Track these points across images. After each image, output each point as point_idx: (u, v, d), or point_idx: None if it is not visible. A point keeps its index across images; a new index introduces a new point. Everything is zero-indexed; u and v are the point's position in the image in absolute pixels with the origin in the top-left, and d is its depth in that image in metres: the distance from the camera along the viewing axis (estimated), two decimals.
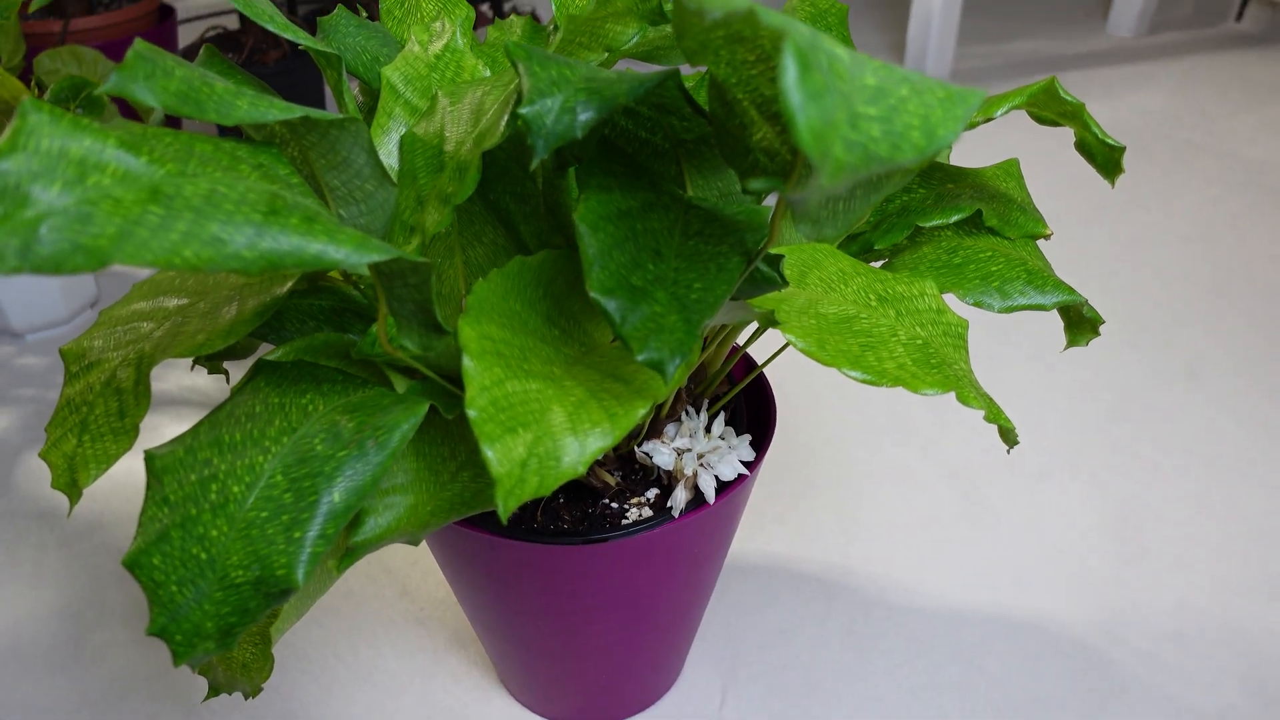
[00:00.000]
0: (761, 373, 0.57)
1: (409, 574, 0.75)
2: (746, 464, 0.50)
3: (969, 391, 0.38)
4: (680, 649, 0.64)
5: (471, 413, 0.31)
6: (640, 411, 0.33)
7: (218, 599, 0.32)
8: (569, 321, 0.39)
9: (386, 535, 0.37)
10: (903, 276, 0.42)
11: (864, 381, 0.37)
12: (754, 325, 0.65)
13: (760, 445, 0.52)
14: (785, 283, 0.35)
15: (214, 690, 0.48)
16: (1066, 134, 1.38)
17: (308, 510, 0.32)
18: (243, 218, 0.26)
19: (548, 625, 0.55)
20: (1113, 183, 0.41)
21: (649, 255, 0.33)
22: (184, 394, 0.94)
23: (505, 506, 0.30)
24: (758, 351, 0.95)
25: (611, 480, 0.51)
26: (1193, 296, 1.04)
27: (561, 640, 0.56)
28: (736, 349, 0.55)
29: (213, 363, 0.48)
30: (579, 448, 0.32)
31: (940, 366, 0.39)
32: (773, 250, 0.38)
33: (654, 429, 0.49)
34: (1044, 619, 0.70)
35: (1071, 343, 0.46)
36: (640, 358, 0.30)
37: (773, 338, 0.99)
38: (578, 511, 0.51)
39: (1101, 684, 0.66)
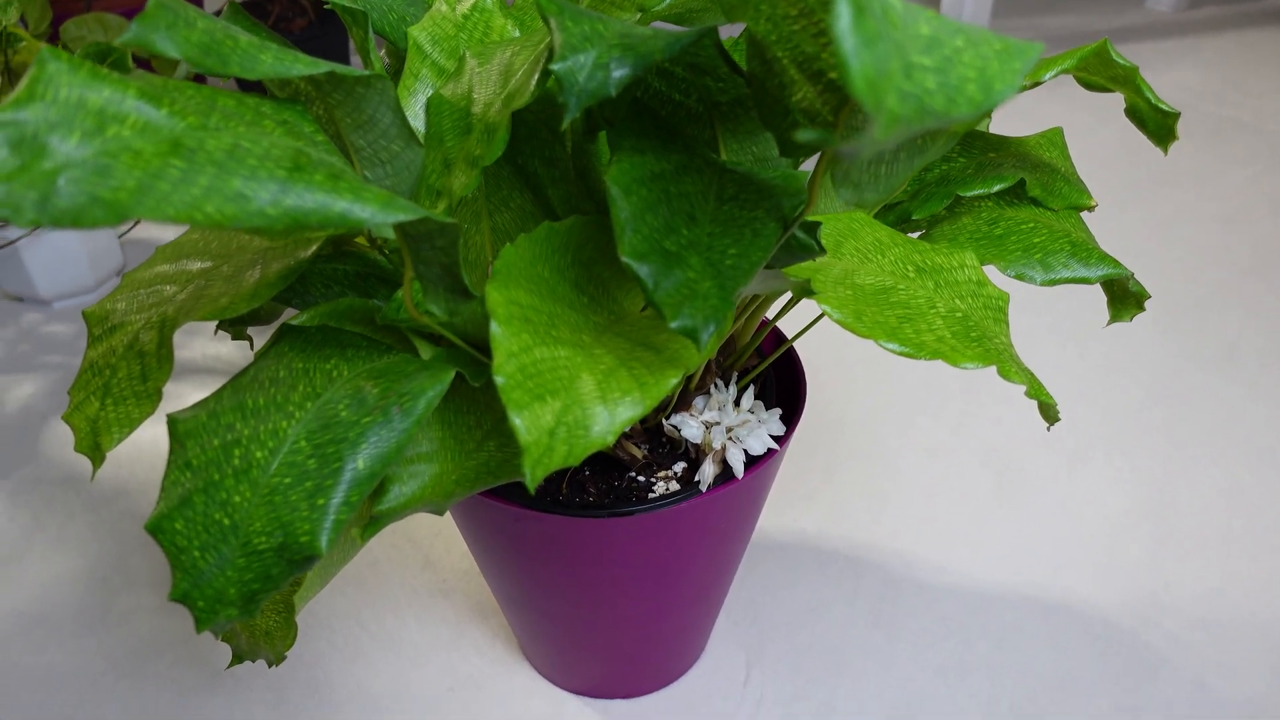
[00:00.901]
0: (792, 346, 0.56)
1: (432, 545, 0.75)
2: (776, 439, 0.49)
3: (1010, 366, 0.37)
4: (705, 625, 0.63)
5: (499, 379, 0.30)
6: (671, 380, 0.32)
7: (240, 565, 0.31)
8: (598, 289, 0.38)
9: (411, 504, 0.36)
10: (942, 247, 0.41)
11: (902, 354, 0.36)
12: (785, 298, 0.63)
13: (790, 420, 0.51)
14: (822, 250, 0.34)
15: (237, 657, 0.48)
16: (1100, 109, 1.35)
17: (331, 477, 0.32)
18: (266, 174, 0.25)
19: (571, 598, 0.54)
20: (1165, 150, 0.40)
21: (683, 220, 0.32)
22: (208, 362, 0.94)
23: (533, 476, 0.29)
24: (788, 325, 0.93)
25: (638, 453, 0.50)
26: (1230, 277, 1.01)
27: (585, 614, 0.55)
28: (766, 322, 0.54)
29: (236, 328, 0.47)
30: (608, 417, 0.31)
31: (981, 340, 0.37)
32: (809, 218, 0.37)
33: (682, 401, 0.48)
34: (1075, 601, 0.69)
35: (1115, 318, 0.45)
36: (673, 325, 0.30)
37: (803, 311, 0.98)
38: (604, 484, 0.50)
39: (1131, 668, 0.65)
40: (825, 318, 0.96)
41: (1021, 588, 0.70)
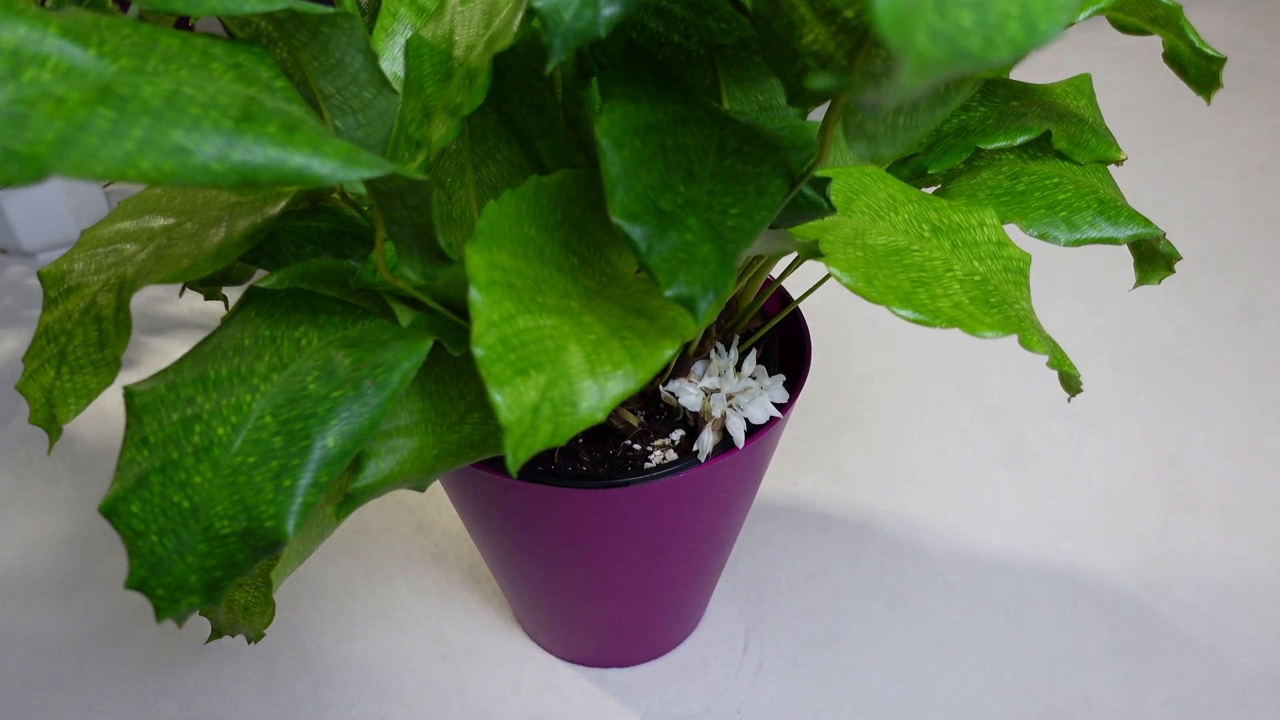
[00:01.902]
0: (797, 308, 0.53)
1: (424, 508, 0.73)
2: (779, 406, 0.46)
3: (1032, 334, 0.34)
4: (703, 593, 0.61)
5: (478, 351, 0.27)
6: (667, 352, 0.30)
7: (202, 551, 0.29)
8: (590, 249, 0.36)
9: (389, 481, 0.34)
10: (959, 205, 0.38)
11: (916, 321, 0.34)
12: (790, 256, 0.60)
13: (794, 386, 0.48)
14: (832, 209, 0.31)
15: (216, 632, 0.46)
16: (1121, 55, 1.30)
17: (299, 456, 0.29)
18: (211, 124, 0.22)
19: (564, 569, 0.52)
20: (1208, 99, 0.37)
21: (680, 176, 0.29)
22: (196, 317, 0.91)
23: (515, 457, 0.27)
24: (794, 285, 0.91)
25: (634, 421, 0.47)
26: (1250, 231, 0.98)
27: (578, 584, 0.53)
28: (770, 282, 0.51)
29: (209, 288, 0.44)
30: (598, 392, 0.29)
31: (1000, 306, 0.35)
32: (818, 173, 0.34)
33: (680, 367, 0.46)
34: (1084, 569, 0.67)
35: (1142, 280, 0.42)
36: (668, 293, 0.27)
37: (809, 270, 0.95)
38: (597, 453, 0.48)
39: (1141, 638, 0.63)
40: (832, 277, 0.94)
41: (1028, 555, 0.68)
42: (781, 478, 0.74)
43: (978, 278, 0.36)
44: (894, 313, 0.34)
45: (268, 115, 0.23)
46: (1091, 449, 0.76)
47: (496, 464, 0.46)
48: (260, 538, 0.29)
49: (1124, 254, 0.94)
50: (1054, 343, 0.36)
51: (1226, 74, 1.25)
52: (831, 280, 0.90)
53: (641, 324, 0.31)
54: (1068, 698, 0.60)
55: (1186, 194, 1.03)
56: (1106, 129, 0.42)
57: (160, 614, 0.29)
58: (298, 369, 0.31)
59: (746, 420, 0.45)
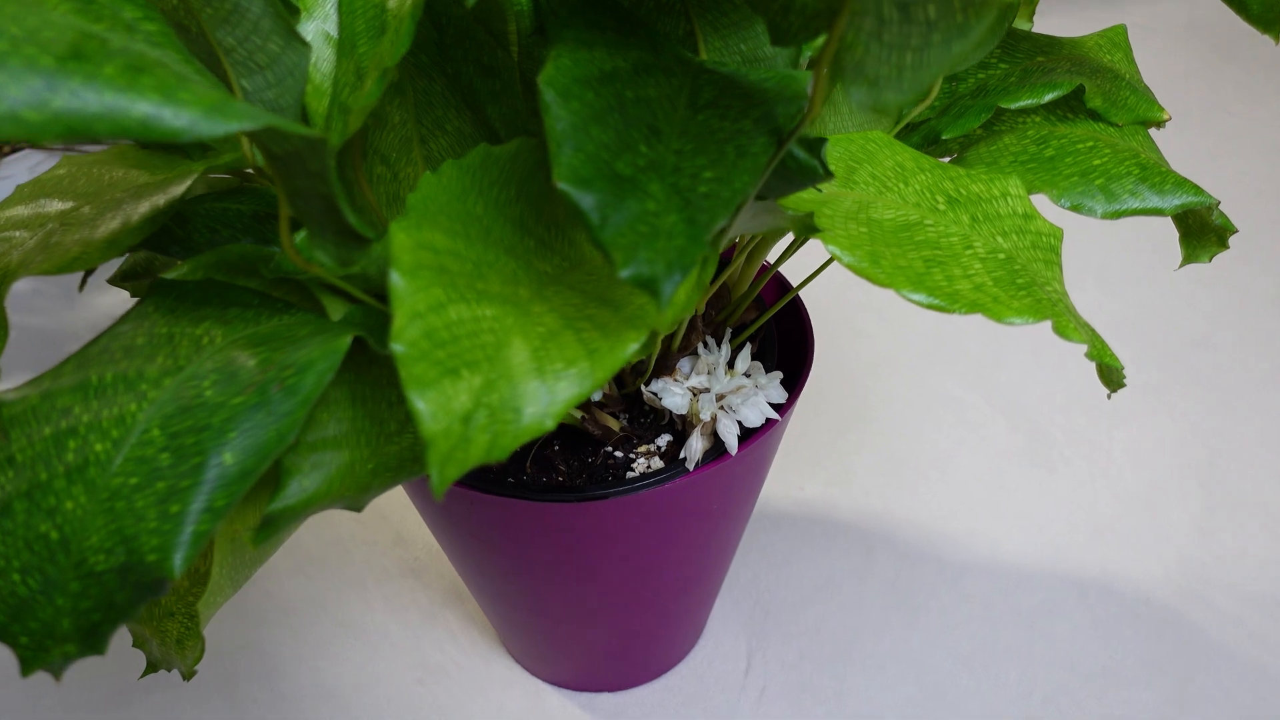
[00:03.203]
0: (797, 298, 0.48)
1: (404, 519, 0.68)
2: (776, 407, 0.41)
3: (1068, 320, 0.29)
4: (699, 611, 0.56)
5: (397, 347, 0.23)
6: (630, 346, 0.25)
7: (74, 591, 0.24)
8: (549, 230, 0.31)
9: (316, 501, 0.29)
10: (979, 173, 0.33)
11: (931, 307, 0.28)
12: (788, 238, 0.55)
13: (794, 384, 0.43)
14: (828, 174, 0.26)
15: (151, 666, 0.41)
16: (1140, 32, 1.24)
17: (190, 476, 0.24)
18: (22, 62, 0.17)
19: (543, 588, 0.47)
20: (1276, 37, 0.32)
21: (642, 134, 0.24)
22: None
23: (441, 476, 0.22)
24: (793, 271, 0.85)
25: (615, 425, 0.42)
26: None
27: (560, 604, 0.48)
28: (766, 268, 0.46)
29: (134, 283, 0.40)
30: (546, 396, 0.24)
31: (1029, 288, 0.30)
32: (814, 135, 0.29)
33: (664, 365, 0.41)
34: (1115, 576, 0.62)
35: (1190, 258, 0.37)
36: (624, 273, 0.22)
37: (810, 255, 0.90)
38: (575, 461, 0.43)
39: (1182, 651, 0.58)
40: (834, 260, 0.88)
41: (1055, 562, 0.63)
42: (784, 480, 0.69)
43: (1002, 255, 0.31)
44: (905, 297, 0.29)
45: (107, 55, 0.19)
46: (1120, 445, 0.70)
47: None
48: (142, 574, 0.24)
49: (1149, 233, 0.89)
50: (1093, 330, 0.31)
51: (1252, 49, 1.19)
52: (835, 265, 0.84)
53: (603, 314, 0.26)
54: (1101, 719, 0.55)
55: (1212, 173, 0.98)
56: (1145, 86, 0.36)
57: (26, 667, 0.24)
58: (194, 372, 0.26)
59: (740, 423, 0.40)
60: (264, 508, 0.29)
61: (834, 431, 0.73)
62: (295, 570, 0.65)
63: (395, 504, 0.69)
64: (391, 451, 0.31)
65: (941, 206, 0.32)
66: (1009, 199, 0.32)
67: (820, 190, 0.33)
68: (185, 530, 0.24)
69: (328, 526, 0.67)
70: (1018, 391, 0.75)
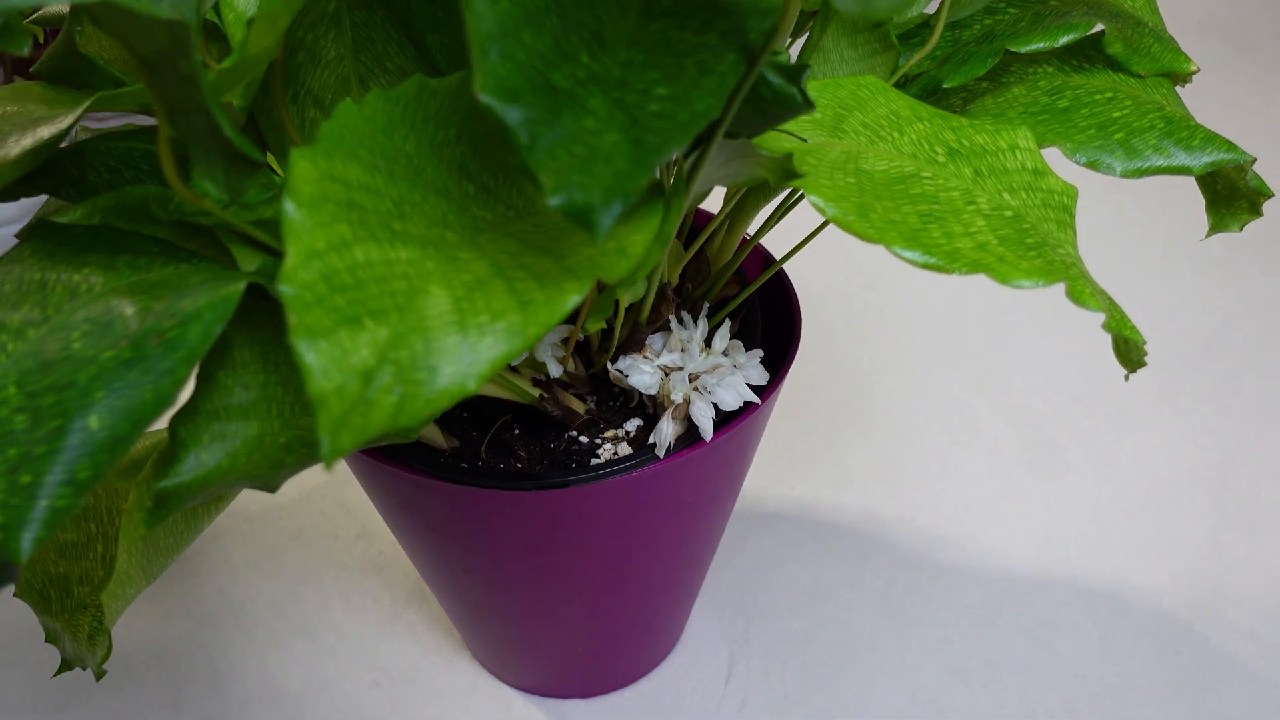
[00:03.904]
0: (782, 272, 0.44)
1: (370, 512, 0.64)
2: (757, 390, 0.38)
3: (1083, 285, 0.25)
4: (677, 613, 0.52)
5: (284, 289, 0.19)
6: (570, 299, 0.21)
7: None
8: (495, 177, 0.27)
9: (216, 478, 0.25)
10: (984, 124, 0.29)
11: (927, 266, 0.25)
12: (772, 208, 0.50)
13: (778, 366, 0.40)
14: (808, 104, 0.23)
15: (66, 664, 0.38)
16: None
17: (47, 442, 0.21)
18: None
19: (505, 586, 0.43)
20: None
21: (584, 41, 0.20)
22: None
23: (332, 444, 0.18)
24: (780, 246, 0.82)
25: (580, 407, 0.39)
26: None
27: (523, 603, 0.45)
28: (748, 240, 0.42)
29: None
30: (468, 354, 0.20)
31: (1039, 248, 0.26)
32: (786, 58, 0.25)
33: (634, 340, 0.37)
34: (1125, 589, 0.58)
35: (1218, 226, 0.33)
36: (554, 200, 0.18)
37: (798, 227, 0.86)
38: (536, 446, 0.39)
39: (1195, 669, 0.54)
40: (824, 233, 0.84)
41: (1059, 572, 0.59)
42: (774, 480, 0.65)
43: (1009, 213, 0.27)
44: (897, 254, 0.25)
45: None
46: (1128, 451, 0.67)
47: (409, 456, 0.37)
48: None
49: (1157, 226, 0.85)
50: (1110, 298, 0.27)
51: (1260, 39, 1.16)
52: (825, 245, 0.81)
53: (542, 262, 0.22)
54: None
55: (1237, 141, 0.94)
56: (1170, 36, 0.33)
57: None
58: (63, 323, 0.22)
59: (715, 406, 0.36)
60: (153, 484, 0.26)
61: (829, 430, 0.69)
62: (250, 565, 0.61)
63: (361, 495, 0.65)
64: (309, 425, 0.27)
65: (941, 158, 0.28)
66: (1017, 152, 0.29)
67: (805, 141, 0.29)
68: (38, 505, 0.20)
69: (287, 519, 0.64)
70: (1021, 393, 0.71)
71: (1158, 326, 0.76)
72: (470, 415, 0.41)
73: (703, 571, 0.51)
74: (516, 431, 0.40)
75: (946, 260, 0.25)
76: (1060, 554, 0.60)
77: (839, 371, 0.73)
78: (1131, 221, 0.87)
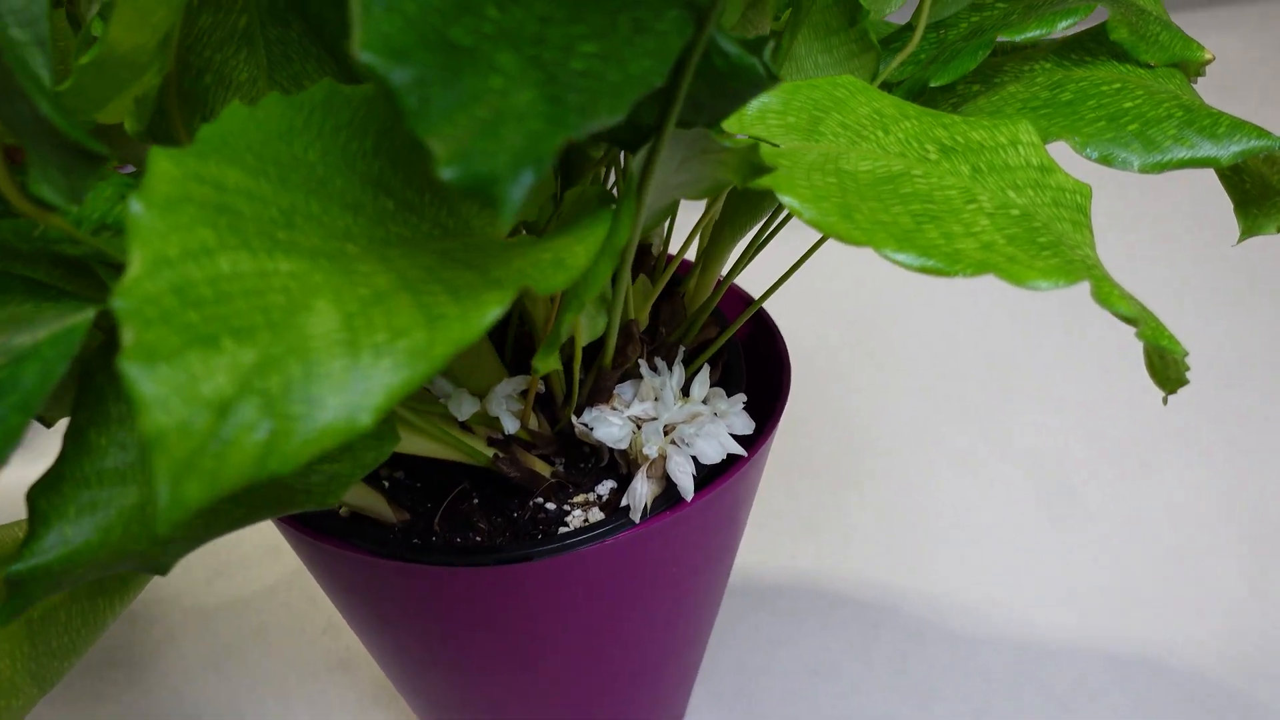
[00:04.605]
0: (766, 315, 0.40)
1: None
2: (744, 441, 0.34)
3: (1110, 285, 0.22)
4: (670, 701, 0.47)
5: (121, 303, 0.15)
6: (490, 312, 0.17)
7: None
8: (421, 193, 0.23)
9: (86, 556, 0.21)
10: (979, 119, 0.26)
11: (925, 270, 0.21)
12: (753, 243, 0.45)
13: (768, 417, 0.36)
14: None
15: None
16: None
17: None
18: None
19: (471, 677, 0.39)
20: None
21: None
22: None
23: (172, 496, 0.14)
24: (758, 287, 0.78)
25: (545, 470, 0.34)
26: None
27: (493, 696, 0.40)
28: (724, 281, 0.38)
29: None
30: (359, 380, 0.16)
31: (1054, 246, 0.22)
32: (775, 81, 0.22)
33: (601, 391, 0.33)
34: (1161, 648, 0.53)
35: (1251, 229, 0.29)
36: (448, 173, 0.14)
37: (778, 268, 0.82)
38: (498, 517, 0.35)
39: None
40: (810, 286, 0.81)
41: (1087, 632, 0.54)
42: (771, 550, 0.61)
43: (1015, 211, 0.23)
44: (889, 257, 0.21)
45: None
46: (1152, 497, 0.62)
47: (343, 530, 0.33)
48: None
49: (1169, 247, 0.82)
50: (1140, 303, 0.23)
51: (1251, 91, 1.15)
52: (815, 302, 0.77)
53: (463, 276, 0.19)
54: None
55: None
56: (1177, 26, 0.29)
57: None
58: None
59: (695, 460, 0.32)
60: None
61: (828, 493, 0.64)
62: (208, 666, 0.56)
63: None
64: None
65: (933, 156, 0.25)
66: (1019, 147, 0.25)
67: (777, 146, 0.26)
68: None
69: (249, 614, 0.59)
70: (1032, 438, 0.67)
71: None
72: (424, 485, 0.36)
73: (698, 650, 0.46)
74: (475, 501, 0.35)
75: (947, 262, 0.21)
76: (1087, 611, 0.55)
77: (834, 429, 0.69)
78: (1138, 247, 0.84)
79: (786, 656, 0.54)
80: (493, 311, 0.17)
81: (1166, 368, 0.24)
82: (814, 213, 0.22)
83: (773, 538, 0.61)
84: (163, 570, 0.23)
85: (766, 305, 0.68)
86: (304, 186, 0.20)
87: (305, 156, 0.21)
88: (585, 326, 0.27)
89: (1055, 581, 0.57)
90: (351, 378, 0.16)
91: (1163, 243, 0.86)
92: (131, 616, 0.60)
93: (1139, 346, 0.74)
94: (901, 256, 0.21)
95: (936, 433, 0.68)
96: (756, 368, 0.41)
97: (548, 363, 0.25)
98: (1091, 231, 0.25)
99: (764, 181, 0.22)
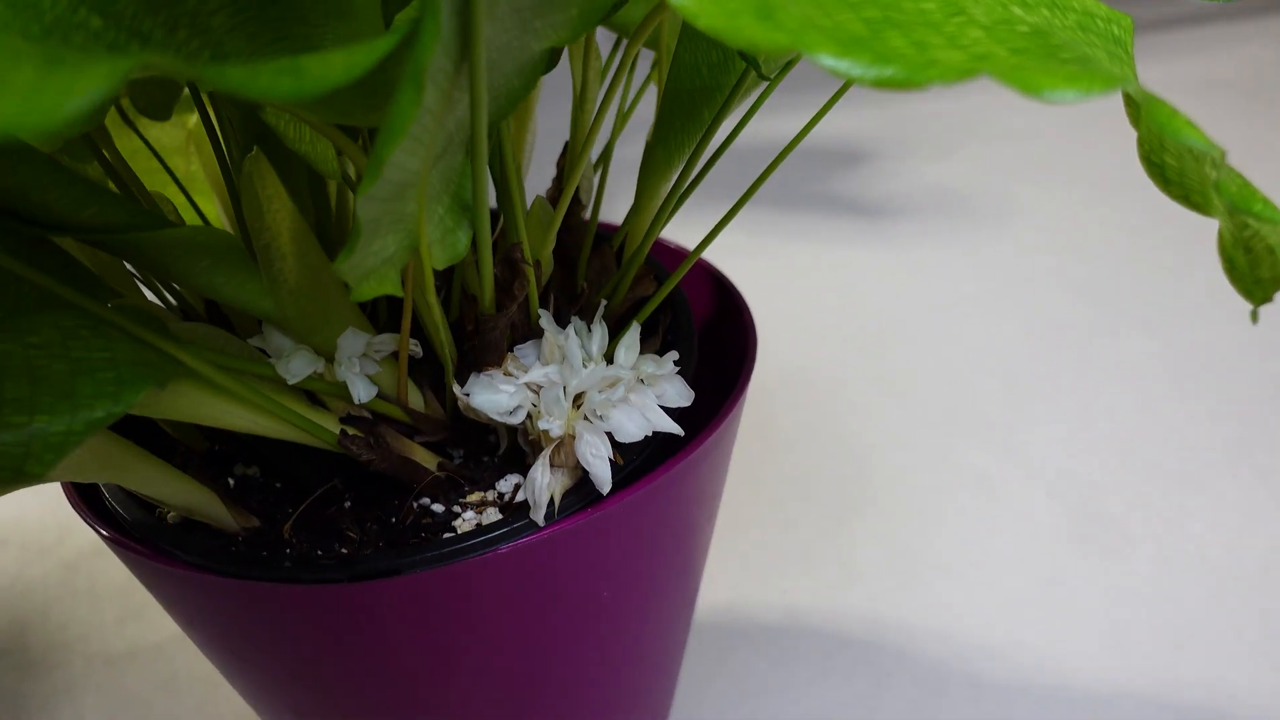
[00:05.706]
0: (730, 287, 0.33)
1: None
2: (680, 415, 0.26)
3: (1169, 108, 0.14)
4: None
5: None
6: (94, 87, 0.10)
7: None
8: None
9: None
10: None
11: (878, 82, 0.14)
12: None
13: (730, 386, 0.28)
14: None
15: None
16: (1160, 75, 1.13)
17: None
18: None
19: (342, 714, 0.31)
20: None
21: None
22: None
23: None
24: (722, 257, 0.70)
25: (431, 462, 0.27)
26: None
27: None
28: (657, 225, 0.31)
29: None
30: None
31: (1081, 61, 0.15)
32: None
33: (492, 352, 0.25)
34: (1215, 692, 0.44)
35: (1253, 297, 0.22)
36: None
37: (768, 265, 0.75)
38: (373, 522, 0.27)
39: None
40: (804, 299, 0.73)
41: (1128, 676, 0.46)
42: (761, 583, 0.53)
43: (1024, 28, 0.16)
44: (821, 64, 0.14)
45: None
46: (1198, 520, 0.54)
47: (170, 540, 0.26)
48: None
49: (1199, 260, 0.74)
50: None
51: (1270, 111, 1.08)
52: (810, 318, 0.70)
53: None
54: None
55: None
56: None
57: None
58: None
59: (610, 436, 0.24)
60: None
61: (830, 520, 0.56)
62: (108, 719, 0.48)
63: None
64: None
65: None
66: None
67: None
68: None
69: (160, 662, 0.51)
70: (1060, 457, 0.59)
71: (1214, 371, 0.64)
72: (285, 484, 0.29)
73: (658, 699, 0.38)
74: (347, 504, 0.28)
75: (910, 70, 0.14)
76: (1128, 652, 0.47)
77: (836, 451, 0.61)
78: (1173, 254, 0.76)
79: (777, 708, 0.46)
80: (97, 87, 0.10)
81: (1257, 263, 0.16)
82: (714, 10, 0.14)
83: (762, 570, 0.53)
84: None
85: (766, 305, 0.60)
86: None
87: None
88: (438, 239, 0.20)
89: (1090, 616, 0.49)
90: None
91: (1189, 244, 0.78)
92: (26, 663, 0.52)
93: (1175, 367, 0.66)
94: (844, 64, 0.14)
95: (949, 453, 0.60)
96: (721, 354, 0.34)
97: (372, 285, 0.18)
98: (1134, 68, 0.17)
99: None
